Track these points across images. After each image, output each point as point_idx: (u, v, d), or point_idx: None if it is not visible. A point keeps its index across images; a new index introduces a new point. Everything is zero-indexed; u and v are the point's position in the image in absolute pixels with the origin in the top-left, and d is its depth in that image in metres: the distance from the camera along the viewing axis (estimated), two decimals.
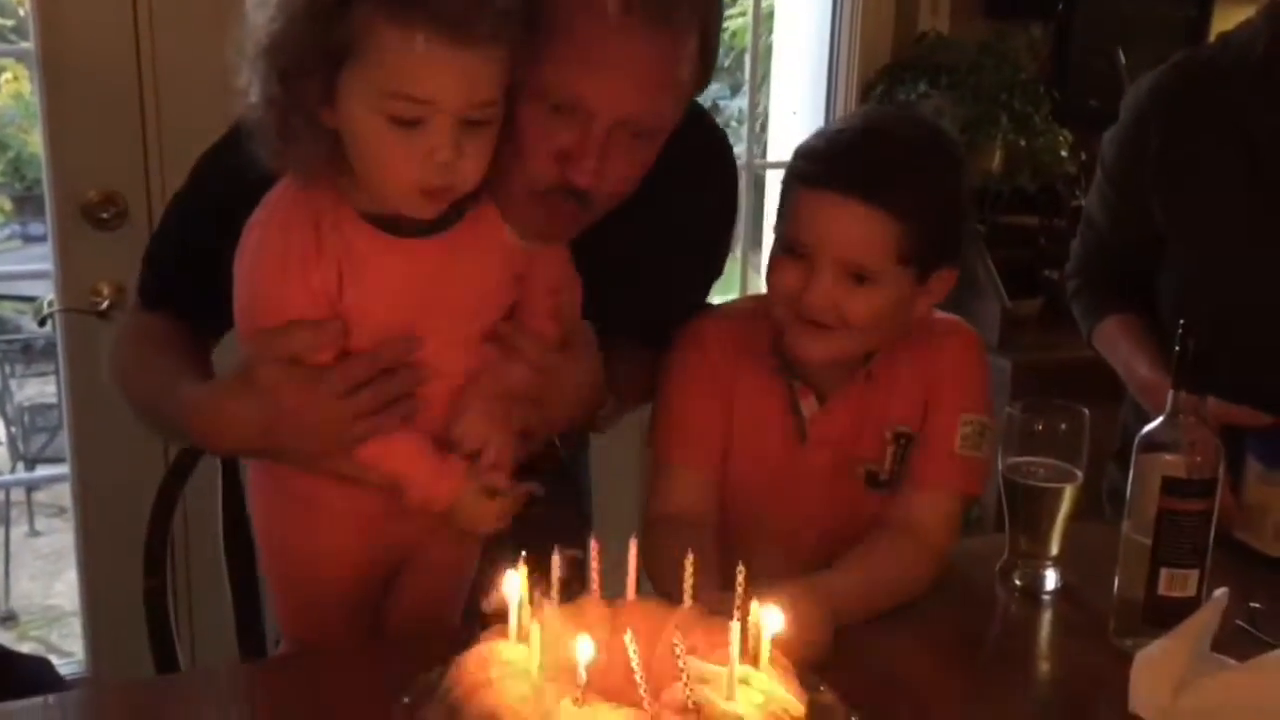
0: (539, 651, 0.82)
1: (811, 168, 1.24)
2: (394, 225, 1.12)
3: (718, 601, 1.02)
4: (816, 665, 1.01)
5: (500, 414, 1.17)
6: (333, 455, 1.14)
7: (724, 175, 1.44)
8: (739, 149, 2.50)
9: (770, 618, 0.87)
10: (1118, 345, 1.73)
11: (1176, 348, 1.21)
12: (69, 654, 2.75)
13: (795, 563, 1.30)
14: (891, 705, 1.10)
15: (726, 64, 3.26)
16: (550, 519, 1.37)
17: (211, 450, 1.30)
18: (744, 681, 0.83)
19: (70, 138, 2.09)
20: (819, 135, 1.29)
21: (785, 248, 1.26)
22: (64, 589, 2.52)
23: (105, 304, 2.08)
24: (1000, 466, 1.39)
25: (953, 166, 1.29)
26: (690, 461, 1.34)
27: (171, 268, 1.35)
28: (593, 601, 0.94)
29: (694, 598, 0.95)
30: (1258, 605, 1.31)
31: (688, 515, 1.31)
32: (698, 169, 1.36)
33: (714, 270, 1.49)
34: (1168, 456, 1.22)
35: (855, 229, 1.21)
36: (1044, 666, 1.30)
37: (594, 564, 0.95)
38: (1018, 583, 1.38)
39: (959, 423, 1.34)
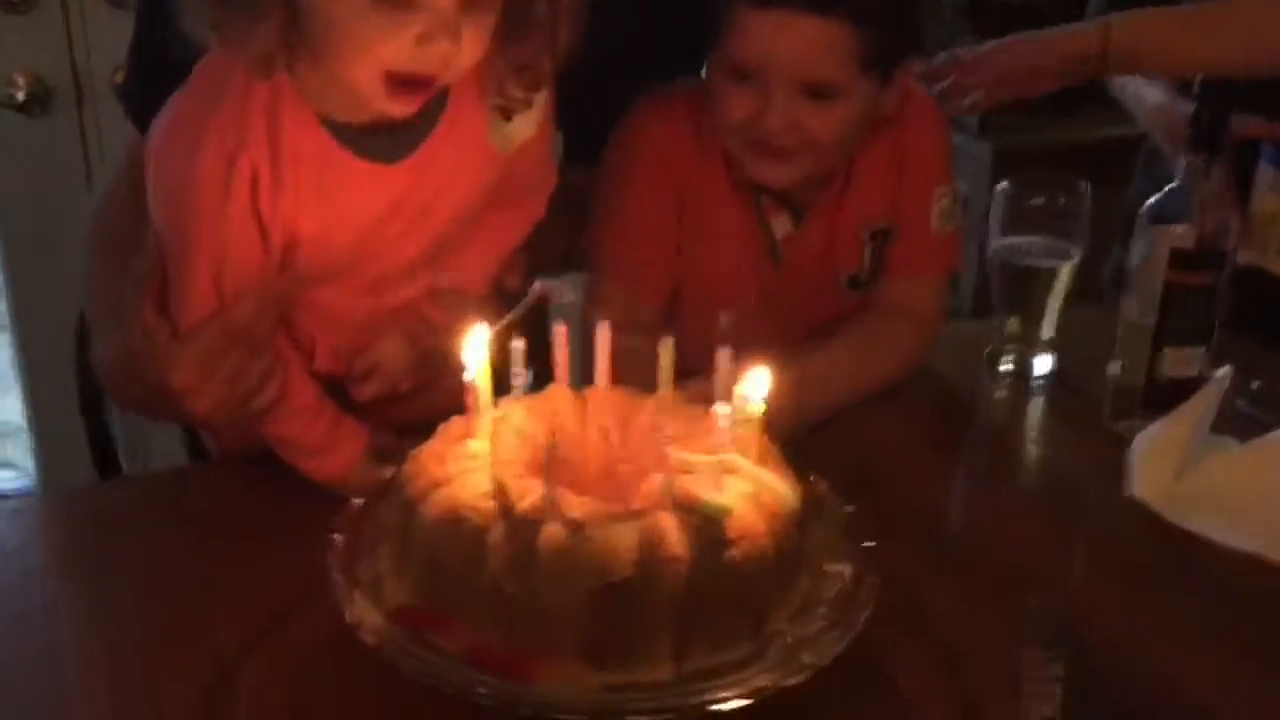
0: (501, 444, 0.73)
1: None
2: (360, 139, 0.93)
3: (697, 389, 0.94)
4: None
5: (413, 357, 1.05)
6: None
7: None
8: None
9: (757, 394, 0.78)
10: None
11: (1193, 108, 1.11)
12: (22, 468, 2.68)
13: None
14: (878, 497, 1.03)
15: None
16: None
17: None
18: (731, 470, 0.74)
19: None
20: None
21: (731, 73, 1.12)
22: (14, 403, 2.45)
23: (22, 95, 1.92)
24: (991, 246, 1.31)
25: None
26: (634, 280, 1.20)
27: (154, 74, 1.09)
28: (558, 390, 0.85)
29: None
30: (1258, 384, 1.25)
31: (633, 322, 1.16)
32: None
33: None
34: (1176, 228, 1.14)
35: (811, 44, 1.08)
36: (1035, 453, 1.24)
37: (560, 349, 0.85)
38: (1007, 368, 1.32)
39: (933, 199, 1.24)
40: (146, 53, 1.15)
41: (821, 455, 0.99)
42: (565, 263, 1.23)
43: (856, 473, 1.06)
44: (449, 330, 1.02)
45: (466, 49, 0.88)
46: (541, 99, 1.01)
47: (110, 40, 1.85)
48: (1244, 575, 0.99)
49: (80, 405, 1.34)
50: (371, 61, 0.86)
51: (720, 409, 0.73)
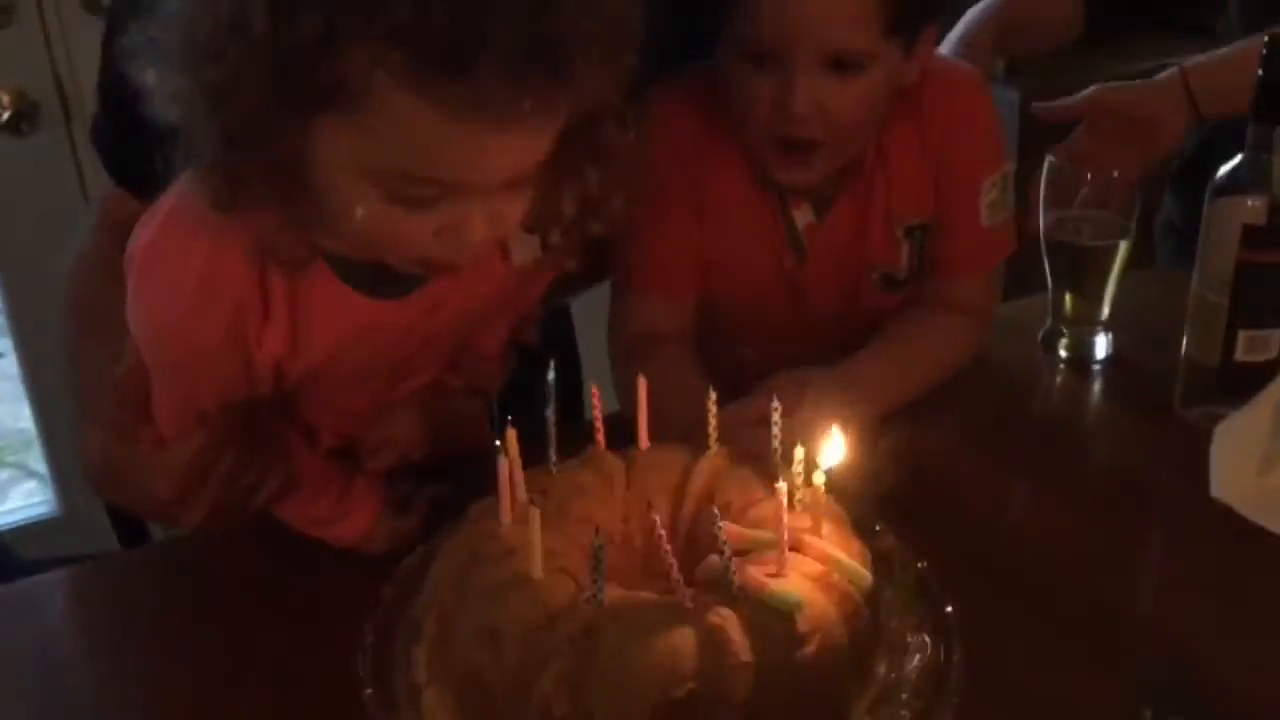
0: (540, 534, 0.66)
1: None
2: (363, 277, 0.84)
3: (740, 417, 0.87)
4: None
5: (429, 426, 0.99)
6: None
7: None
8: None
9: (823, 451, 0.70)
10: None
11: (1260, 71, 1.02)
12: (39, 474, 2.65)
13: (794, 362, 1.11)
14: (940, 521, 0.96)
15: None
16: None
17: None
18: (795, 548, 0.67)
19: None
20: None
21: (748, 56, 1.03)
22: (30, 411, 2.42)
23: (8, 114, 1.85)
24: (1041, 224, 1.22)
25: None
26: (659, 287, 1.14)
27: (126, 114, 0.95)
28: (600, 456, 0.78)
29: (717, 429, 0.79)
30: None
31: (660, 334, 1.13)
32: None
33: None
34: (1249, 201, 1.05)
35: (833, 8, 1.00)
36: (1102, 447, 1.16)
37: (596, 411, 0.78)
38: (1064, 353, 1.24)
39: (981, 192, 1.15)
40: (116, 91, 1.05)
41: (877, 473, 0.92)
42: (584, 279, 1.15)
43: (915, 491, 0.99)
44: (465, 394, 0.96)
45: (495, 230, 0.77)
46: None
47: (94, 50, 1.76)
48: None
49: None
50: (394, 251, 0.78)
51: (781, 484, 0.65)
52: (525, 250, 0.90)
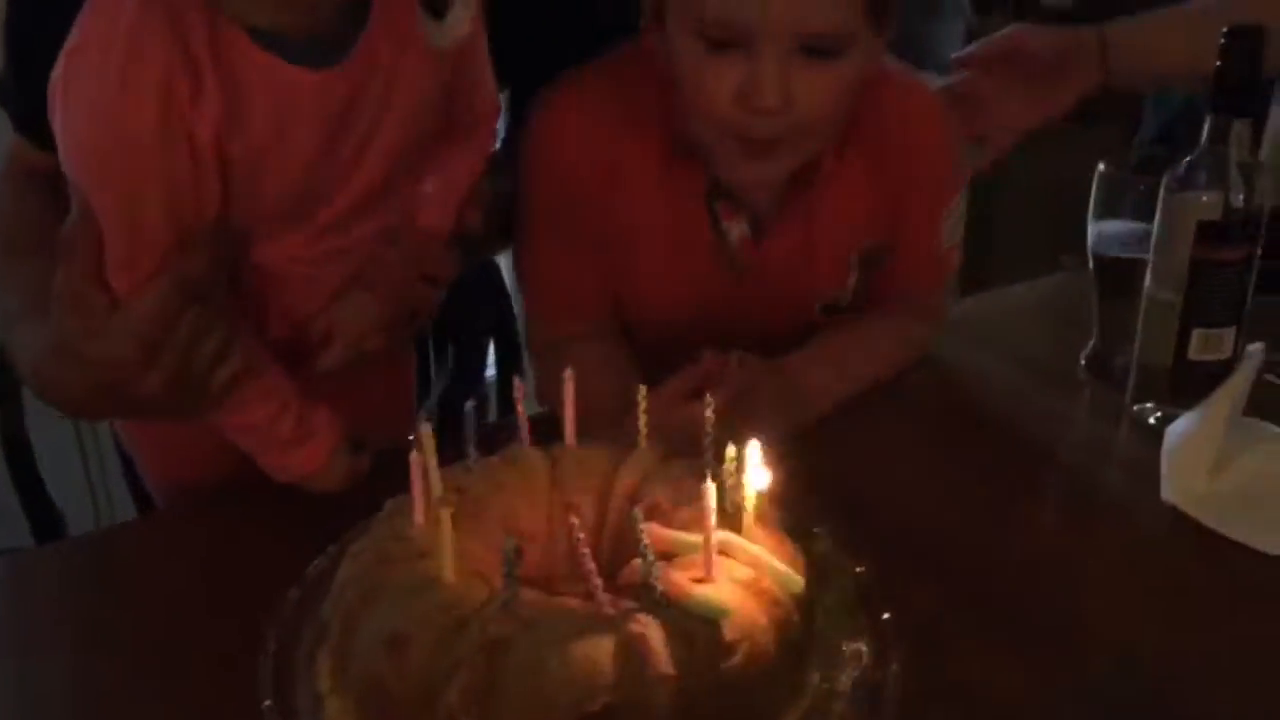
0: (451, 538, 0.62)
1: None
2: (286, 46, 0.81)
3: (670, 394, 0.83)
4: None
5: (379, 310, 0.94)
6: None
7: None
8: None
9: (754, 463, 0.67)
10: None
11: (1219, 61, 0.99)
12: None
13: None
14: (880, 509, 0.94)
15: None
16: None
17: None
18: (724, 552, 0.63)
19: None
20: None
21: (706, 40, 0.91)
22: None
23: None
24: (1091, 237, 1.15)
25: None
26: (562, 302, 1.07)
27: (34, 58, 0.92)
28: (523, 454, 0.74)
29: (646, 417, 0.75)
30: None
31: (579, 335, 1.06)
32: None
33: None
34: (1204, 197, 1.02)
35: None
36: (1054, 448, 1.12)
37: (519, 405, 0.74)
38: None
39: (942, 216, 1.11)
40: (22, 35, 0.99)
41: (819, 473, 0.89)
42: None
43: (858, 493, 0.96)
44: (415, 276, 0.91)
45: None
46: (472, 7, 0.89)
47: None
48: None
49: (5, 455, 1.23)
50: None
51: (710, 483, 0.61)
52: (438, 33, 0.87)
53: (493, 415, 1.46)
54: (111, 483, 1.72)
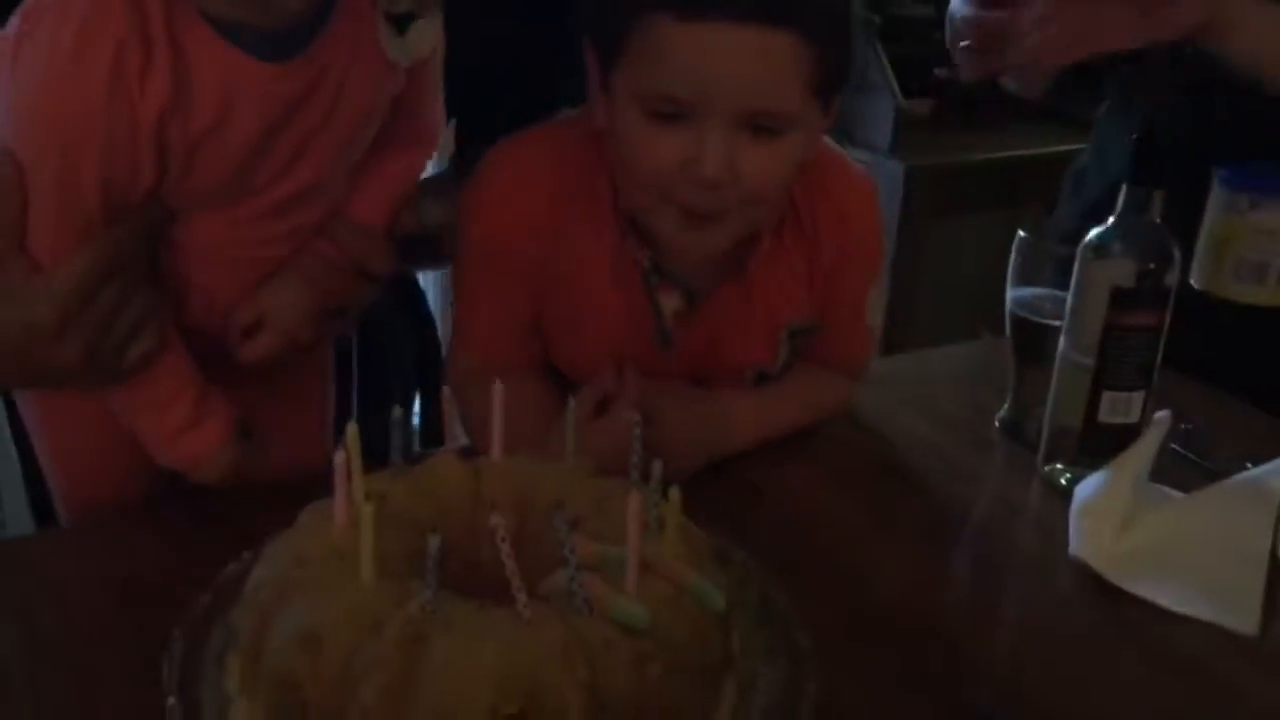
0: (373, 536, 0.61)
1: None
2: (245, 37, 0.82)
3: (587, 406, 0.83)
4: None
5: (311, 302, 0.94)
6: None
7: None
8: None
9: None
10: None
11: (1136, 135, 1.03)
12: None
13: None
14: (798, 546, 0.96)
15: None
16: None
17: None
18: (646, 566, 0.63)
19: None
20: None
21: (650, 112, 0.91)
22: None
23: None
24: (1009, 302, 1.18)
25: None
26: (493, 357, 1.05)
27: None
28: (445, 462, 0.73)
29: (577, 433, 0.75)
30: (1190, 425, 1.19)
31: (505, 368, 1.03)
32: None
33: None
34: (1116, 264, 1.06)
35: (758, 62, 0.88)
36: (968, 501, 1.14)
37: (446, 414, 0.73)
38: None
39: (868, 296, 1.13)
40: None
41: (736, 515, 0.90)
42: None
43: (777, 530, 0.98)
44: (348, 266, 0.91)
45: None
46: (434, 22, 0.91)
47: None
48: (1189, 641, 0.91)
49: None
50: None
51: (633, 500, 0.61)
52: (397, 47, 0.89)
53: (416, 446, 1.45)
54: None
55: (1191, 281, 1.25)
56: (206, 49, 0.79)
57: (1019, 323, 1.19)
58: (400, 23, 0.88)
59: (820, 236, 1.07)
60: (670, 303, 1.05)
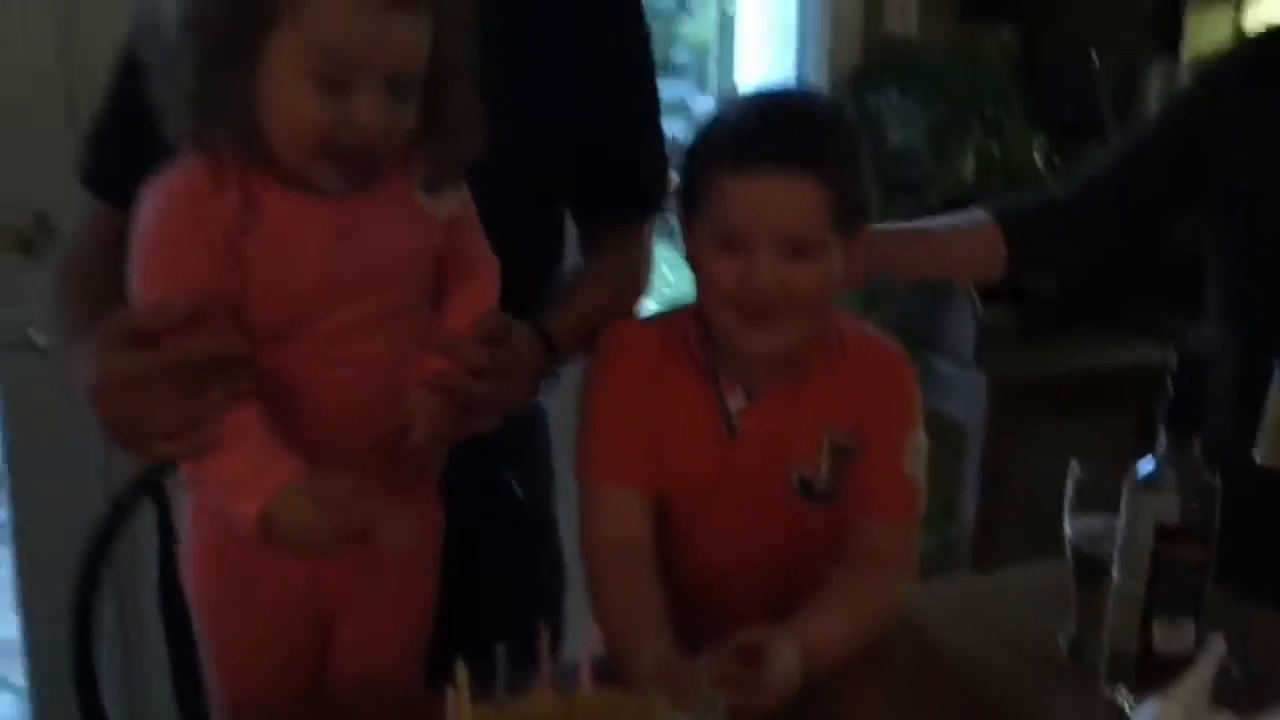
0: None
1: (741, 152, 1.21)
2: (303, 186, 1.05)
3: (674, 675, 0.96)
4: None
5: (442, 416, 1.11)
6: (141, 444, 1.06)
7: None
8: None
9: None
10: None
11: (1171, 382, 1.14)
12: (17, 687, 2.64)
13: (733, 577, 1.31)
14: None
15: (685, 64, 3.17)
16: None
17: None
18: None
19: None
20: (721, 124, 1.27)
21: (719, 243, 1.22)
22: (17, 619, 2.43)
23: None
24: (1066, 529, 1.28)
25: (855, 129, 1.31)
26: (618, 480, 1.28)
27: (117, 141, 1.27)
28: (541, 699, 0.85)
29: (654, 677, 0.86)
30: (1246, 649, 1.23)
31: (623, 541, 1.27)
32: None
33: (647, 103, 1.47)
34: (1162, 499, 1.14)
35: (793, 201, 1.20)
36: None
37: (541, 650, 0.85)
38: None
39: (904, 442, 1.30)
40: (119, 106, 1.27)
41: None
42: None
43: None
44: (465, 375, 1.11)
45: (393, 125, 1.03)
46: (463, 195, 1.15)
47: None
48: None
49: (72, 671, 1.34)
50: (312, 133, 1.01)
51: None
52: (433, 203, 1.12)
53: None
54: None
55: (1255, 457, 1.37)
56: (272, 190, 1.04)
57: (1077, 551, 1.27)
58: (430, 185, 1.11)
59: (859, 379, 1.30)
60: (735, 400, 1.28)
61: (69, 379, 1.08)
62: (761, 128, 1.23)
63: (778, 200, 1.19)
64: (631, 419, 1.29)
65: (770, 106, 1.27)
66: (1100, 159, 1.81)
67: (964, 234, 1.65)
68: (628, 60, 1.42)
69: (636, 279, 1.47)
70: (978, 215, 1.65)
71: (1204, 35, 2.81)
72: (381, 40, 1.00)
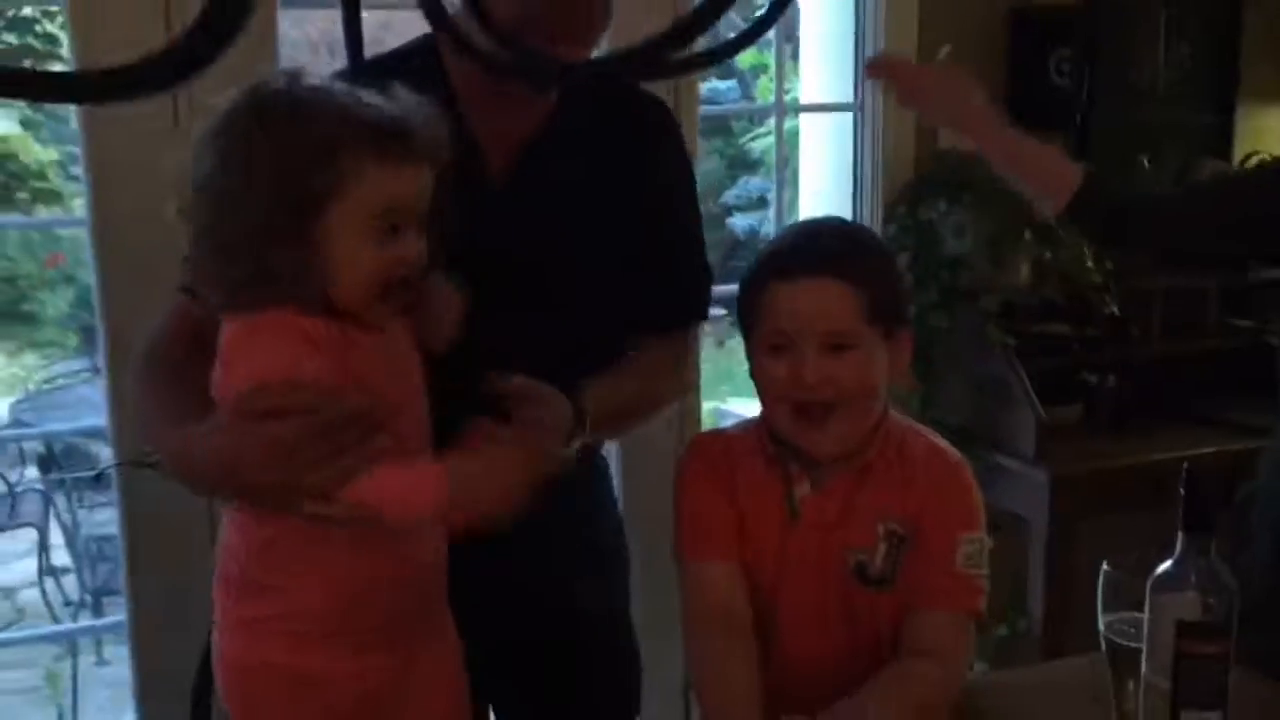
0: None
1: (782, 264, 1.41)
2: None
3: None
4: None
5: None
6: (301, 494, 1.19)
7: (672, 141, 1.58)
8: None
9: None
10: None
11: (1183, 490, 1.22)
12: None
13: (801, 661, 1.42)
14: None
15: (754, 183, 3.33)
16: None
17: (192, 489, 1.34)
18: None
19: (122, 278, 2.19)
20: (775, 245, 1.52)
21: (768, 345, 1.39)
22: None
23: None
24: (1100, 624, 1.36)
25: (884, 245, 1.64)
26: (711, 553, 1.42)
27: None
28: None
29: None
30: None
31: (724, 606, 1.40)
32: (646, 142, 1.53)
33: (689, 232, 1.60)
34: (1182, 598, 1.22)
35: (828, 300, 1.36)
36: None
37: None
38: None
39: (958, 541, 1.39)
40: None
41: None
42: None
43: None
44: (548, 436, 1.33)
45: (423, 252, 1.22)
46: None
47: None
48: None
49: None
50: (372, 278, 1.19)
51: None
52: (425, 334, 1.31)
53: None
54: None
55: None
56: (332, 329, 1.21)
57: (1110, 644, 1.35)
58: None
59: (914, 474, 1.42)
60: (802, 489, 1.42)
61: (176, 457, 1.25)
62: (799, 244, 1.47)
63: (815, 300, 1.37)
64: (716, 502, 1.43)
65: (806, 228, 1.58)
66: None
67: (1053, 152, 1.80)
68: (671, 194, 1.57)
69: (673, 373, 1.60)
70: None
71: (1253, 139, 2.89)
72: (416, 188, 1.20)
